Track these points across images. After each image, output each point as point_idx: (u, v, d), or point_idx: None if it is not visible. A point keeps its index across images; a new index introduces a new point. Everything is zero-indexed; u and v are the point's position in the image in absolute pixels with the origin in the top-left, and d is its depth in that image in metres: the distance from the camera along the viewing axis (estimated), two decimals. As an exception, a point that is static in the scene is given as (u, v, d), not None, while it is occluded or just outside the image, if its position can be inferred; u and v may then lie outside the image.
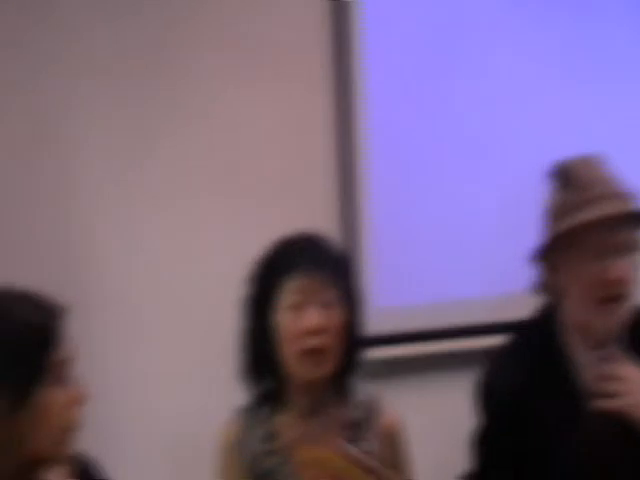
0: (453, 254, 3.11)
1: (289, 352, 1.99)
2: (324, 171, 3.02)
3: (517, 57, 3.16)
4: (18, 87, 2.75)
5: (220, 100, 2.94)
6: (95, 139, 2.84)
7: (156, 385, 2.90)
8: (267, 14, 2.97)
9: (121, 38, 2.82)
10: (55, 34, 2.78)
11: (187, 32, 2.91)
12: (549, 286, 2.02)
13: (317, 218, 2.92)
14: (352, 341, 2.05)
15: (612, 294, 1.92)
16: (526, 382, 1.95)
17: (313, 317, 1.96)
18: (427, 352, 3.10)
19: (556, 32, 3.18)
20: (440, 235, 3.12)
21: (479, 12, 3.14)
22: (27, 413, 1.49)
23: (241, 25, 2.96)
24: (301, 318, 1.97)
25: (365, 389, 2.13)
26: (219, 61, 2.93)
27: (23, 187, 2.80)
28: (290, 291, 1.98)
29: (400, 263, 3.07)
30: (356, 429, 2.05)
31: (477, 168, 3.15)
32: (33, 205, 2.80)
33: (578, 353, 1.97)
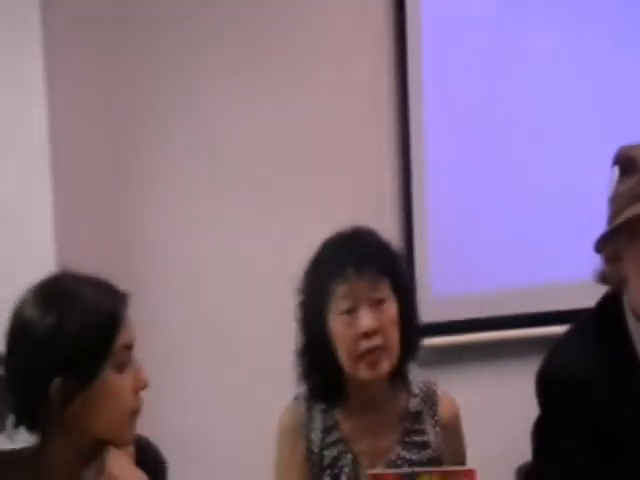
0: (511, 242, 3.10)
1: (345, 356, 1.98)
2: (382, 163, 3.03)
3: (579, 50, 3.14)
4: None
5: (279, 99, 2.96)
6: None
7: (217, 378, 2.93)
8: (327, 14, 2.99)
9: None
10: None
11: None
12: (611, 275, 1.98)
13: (375, 210, 2.93)
14: (408, 330, 2.04)
15: None
16: (590, 371, 1.91)
17: (365, 320, 1.95)
18: (486, 340, 3.09)
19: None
20: (498, 224, 3.10)
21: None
22: (92, 395, 1.52)
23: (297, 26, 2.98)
24: (354, 322, 1.96)
25: (422, 377, 2.12)
26: (284, 58, 2.95)
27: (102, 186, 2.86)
28: (339, 297, 1.97)
29: (458, 252, 3.06)
30: (415, 419, 2.05)
31: (536, 156, 3.13)
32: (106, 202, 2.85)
33: None
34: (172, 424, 2.84)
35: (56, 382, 1.49)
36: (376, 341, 1.95)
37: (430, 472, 1.80)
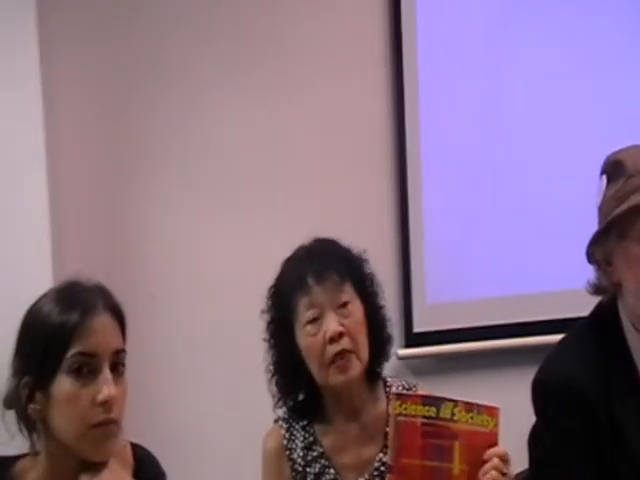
0: (507, 251, 3.10)
1: (316, 367, 1.99)
2: (378, 172, 3.04)
3: (573, 49, 3.14)
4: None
5: (276, 104, 2.97)
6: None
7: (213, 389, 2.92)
8: (325, 12, 2.99)
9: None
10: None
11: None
12: (604, 282, 1.97)
13: (371, 216, 2.93)
14: (377, 331, 2.05)
15: None
16: (586, 378, 1.90)
17: (330, 325, 1.97)
18: (481, 349, 3.10)
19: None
20: (494, 232, 3.11)
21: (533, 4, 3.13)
22: (50, 397, 1.58)
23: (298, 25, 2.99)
24: (319, 330, 1.98)
25: (401, 380, 2.13)
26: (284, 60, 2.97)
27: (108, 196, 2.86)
28: (303, 309, 1.99)
29: (453, 261, 3.07)
30: None
31: (531, 166, 3.14)
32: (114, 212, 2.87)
33: (639, 351, 1.93)
34: (172, 426, 2.85)
35: (25, 380, 1.59)
36: (343, 344, 1.96)
37: (455, 401, 1.78)
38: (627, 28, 3.18)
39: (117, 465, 1.62)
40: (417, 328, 3.05)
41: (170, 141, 2.95)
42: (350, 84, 3.04)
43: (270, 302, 2.07)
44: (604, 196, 1.94)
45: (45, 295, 1.66)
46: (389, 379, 2.13)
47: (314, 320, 1.98)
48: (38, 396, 1.58)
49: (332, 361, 1.97)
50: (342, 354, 1.96)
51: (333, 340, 1.96)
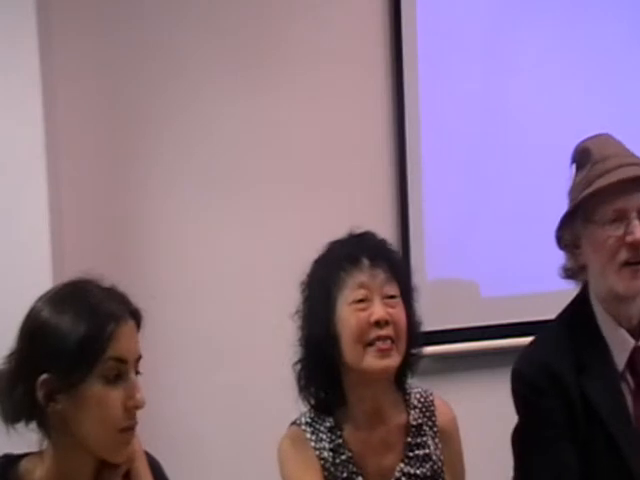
0: (508, 250, 3.10)
1: (352, 346, 1.96)
2: (378, 170, 3.04)
3: (571, 47, 3.14)
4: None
5: (278, 103, 2.97)
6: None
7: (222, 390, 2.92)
8: (326, 12, 3.00)
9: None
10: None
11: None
12: (573, 265, 2.05)
13: (371, 216, 2.92)
14: (413, 339, 2.04)
15: (634, 257, 1.94)
16: (560, 360, 1.97)
17: (379, 309, 1.96)
18: (482, 348, 3.10)
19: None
20: (495, 231, 3.11)
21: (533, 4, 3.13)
22: (77, 400, 1.58)
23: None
24: (366, 310, 1.96)
25: (418, 388, 2.13)
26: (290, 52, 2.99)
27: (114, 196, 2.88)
28: (354, 286, 1.97)
29: (453, 260, 3.07)
30: (417, 433, 2.05)
31: (534, 163, 3.14)
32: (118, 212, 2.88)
33: (610, 332, 1.97)
34: (171, 429, 2.85)
35: (43, 378, 1.58)
36: (388, 331, 1.95)
37: None
38: (627, 28, 3.19)
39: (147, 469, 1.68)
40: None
41: (170, 140, 2.95)
42: (350, 84, 3.04)
43: (313, 274, 2.03)
44: (573, 182, 2.04)
45: (63, 298, 1.65)
46: (407, 386, 2.11)
47: (361, 301, 1.96)
48: (61, 397, 1.58)
49: (371, 343, 1.95)
50: (385, 339, 1.95)
51: (379, 325, 1.95)
